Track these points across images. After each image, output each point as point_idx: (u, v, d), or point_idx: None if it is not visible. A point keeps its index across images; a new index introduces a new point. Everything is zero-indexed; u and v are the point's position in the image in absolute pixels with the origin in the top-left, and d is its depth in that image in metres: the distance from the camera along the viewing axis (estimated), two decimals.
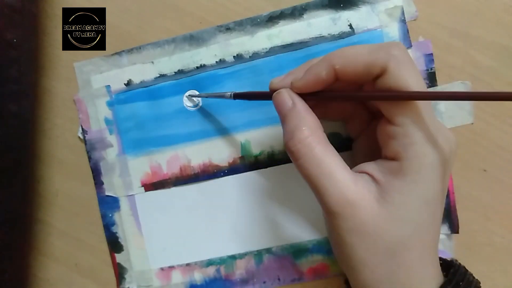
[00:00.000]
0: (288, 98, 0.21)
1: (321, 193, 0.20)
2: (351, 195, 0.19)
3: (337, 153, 0.21)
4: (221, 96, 0.26)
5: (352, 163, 0.21)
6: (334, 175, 0.20)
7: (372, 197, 0.20)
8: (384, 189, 0.20)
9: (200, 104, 0.28)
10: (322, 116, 0.21)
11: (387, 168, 0.20)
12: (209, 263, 0.29)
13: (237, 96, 0.25)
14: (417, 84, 0.19)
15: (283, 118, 0.21)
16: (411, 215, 0.19)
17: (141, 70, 0.29)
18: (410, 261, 0.19)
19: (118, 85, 0.29)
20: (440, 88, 0.27)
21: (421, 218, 0.19)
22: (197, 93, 0.28)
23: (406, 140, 0.19)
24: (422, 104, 0.19)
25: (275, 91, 0.22)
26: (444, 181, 0.20)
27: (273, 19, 0.28)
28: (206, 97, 0.28)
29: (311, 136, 0.20)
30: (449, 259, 0.22)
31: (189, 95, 0.28)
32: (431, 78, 0.27)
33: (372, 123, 0.25)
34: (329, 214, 0.20)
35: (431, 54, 0.27)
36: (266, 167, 0.28)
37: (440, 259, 0.22)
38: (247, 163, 0.28)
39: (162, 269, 0.29)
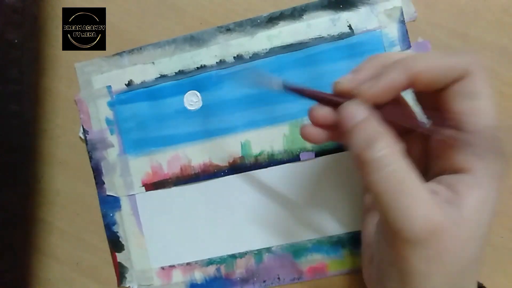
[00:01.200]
0: (361, 110, 0.19)
1: (402, 216, 0.17)
2: (437, 220, 0.17)
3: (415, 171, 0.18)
4: (269, 84, 0.21)
5: None
6: (419, 195, 0.17)
7: (451, 221, 0.17)
8: (461, 209, 0.17)
9: (201, 104, 0.29)
10: None
11: (456, 184, 0.18)
12: (210, 262, 0.29)
13: (288, 88, 0.21)
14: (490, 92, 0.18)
15: (352, 127, 0.19)
16: (484, 232, 0.18)
17: (142, 71, 0.29)
18: (473, 278, 0.18)
19: (119, 85, 0.29)
20: None
21: (487, 232, 0.18)
22: (198, 94, 0.28)
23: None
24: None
25: (340, 94, 0.20)
26: None
27: (273, 20, 0.28)
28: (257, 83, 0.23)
29: (392, 147, 0.17)
30: None
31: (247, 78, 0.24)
32: None
33: (411, 132, 0.22)
34: (403, 240, 0.17)
35: None
36: (266, 167, 0.28)
37: None
38: (247, 163, 0.29)
39: (162, 268, 0.30)
